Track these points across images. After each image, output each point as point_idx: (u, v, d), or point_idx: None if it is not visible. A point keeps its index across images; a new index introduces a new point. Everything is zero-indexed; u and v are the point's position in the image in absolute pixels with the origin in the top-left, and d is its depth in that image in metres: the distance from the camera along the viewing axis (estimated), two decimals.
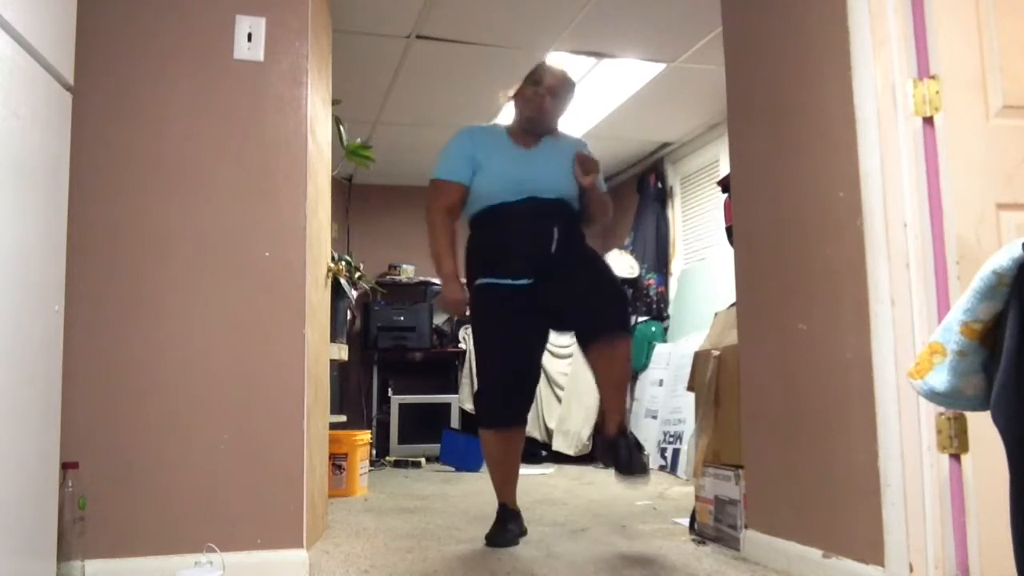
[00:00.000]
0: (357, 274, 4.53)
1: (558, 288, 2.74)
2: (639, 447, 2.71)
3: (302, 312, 2.32)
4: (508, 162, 2.85)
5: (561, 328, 2.99)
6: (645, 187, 6.28)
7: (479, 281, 2.83)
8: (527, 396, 2.88)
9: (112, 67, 2.28)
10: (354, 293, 4.48)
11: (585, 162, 2.85)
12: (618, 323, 2.76)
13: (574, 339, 2.90)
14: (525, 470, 5.19)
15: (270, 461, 2.24)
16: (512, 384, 2.82)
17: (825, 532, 2.14)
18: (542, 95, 2.87)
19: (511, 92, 2.99)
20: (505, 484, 2.89)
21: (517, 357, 2.82)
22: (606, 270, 2.93)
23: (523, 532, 2.86)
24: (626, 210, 6.51)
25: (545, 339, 2.93)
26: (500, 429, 2.83)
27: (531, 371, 2.89)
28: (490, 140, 2.92)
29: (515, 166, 2.84)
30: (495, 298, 2.80)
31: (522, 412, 2.88)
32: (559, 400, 5.75)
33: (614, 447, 2.70)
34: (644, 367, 5.67)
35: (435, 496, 4.02)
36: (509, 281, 2.77)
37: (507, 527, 2.79)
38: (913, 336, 1.87)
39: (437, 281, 6.42)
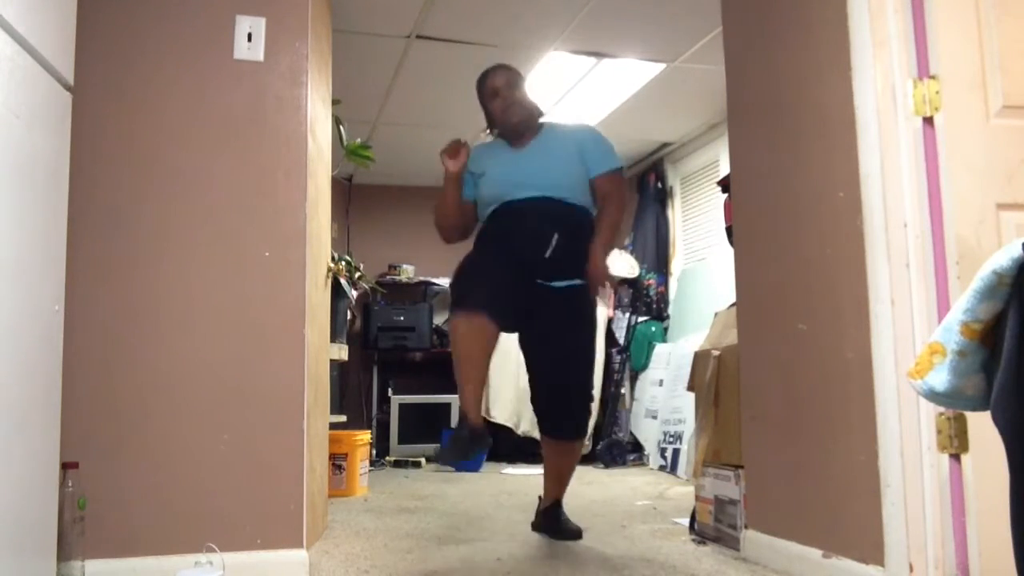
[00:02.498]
0: (357, 274, 4.53)
1: (537, 353, 2.82)
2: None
3: (302, 312, 2.32)
4: (505, 164, 2.85)
5: (524, 355, 2.93)
6: (645, 187, 6.28)
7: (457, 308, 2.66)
8: (505, 296, 2.61)
9: (112, 67, 2.28)
10: (354, 293, 4.47)
11: (597, 277, 2.80)
12: (576, 433, 2.85)
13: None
14: (525, 470, 5.22)
15: (270, 461, 2.24)
16: (489, 279, 2.63)
17: (825, 532, 2.14)
18: (506, 97, 2.86)
19: (485, 125, 3.00)
20: (467, 385, 2.56)
21: (499, 279, 2.64)
22: (584, 356, 2.88)
23: (486, 444, 2.62)
24: (626, 211, 6.51)
25: (522, 303, 2.71)
26: (471, 312, 2.55)
27: (512, 299, 2.65)
28: (486, 153, 2.92)
29: (513, 166, 2.83)
30: (495, 253, 2.73)
31: (497, 306, 2.57)
32: None
33: (548, 519, 2.90)
34: (644, 367, 5.67)
35: (435, 496, 4.02)
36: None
37: (460, 437, 2.53)
38: (913, 336, 1.87)
39: (437, 281, 6.48)
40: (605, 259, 2.82)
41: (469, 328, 2.55)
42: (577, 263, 2.76)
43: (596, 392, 5.62)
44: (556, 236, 2.72)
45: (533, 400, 2.89)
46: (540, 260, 2.72)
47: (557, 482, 2.94)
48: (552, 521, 2.88)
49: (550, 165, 2.81)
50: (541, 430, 2.90)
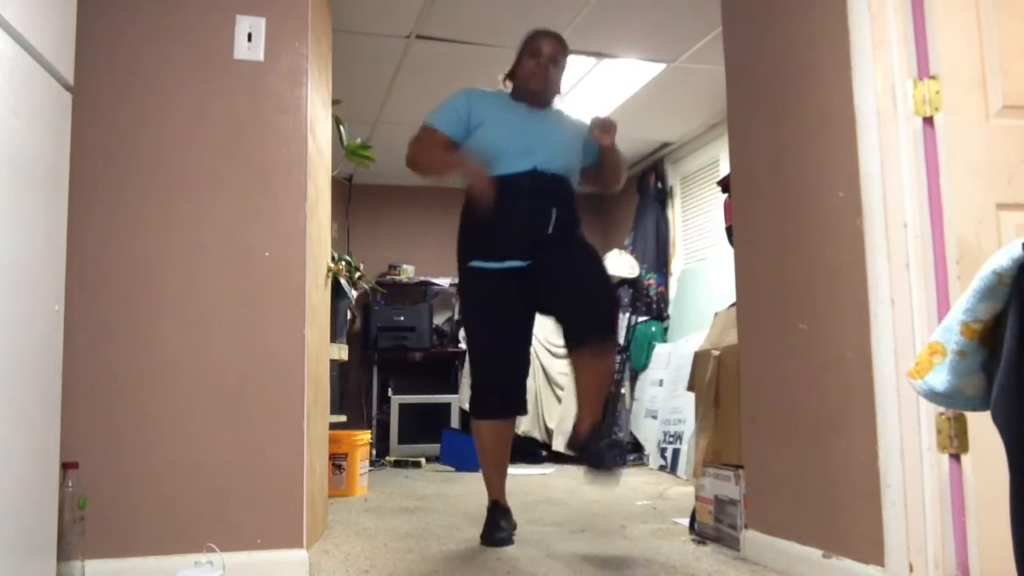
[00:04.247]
0: (357, 274, 4.53)
1: (549, 277, 2.71)
2: (616, 446, 2.66)
3: (302, 312, 2.32)
4: (518, 118, 2.79)
5: (545, 313, 2.90)
6: (645, 187, 6.28)
7: (470, 264, 2.78)
8: (520, 384, 2.83)
9: (112, 67, 2.28)
10: (354, 293, 4.47)
11: (604, 123, 2.73)
12: (605, 331, 2.70)
13: None
14: (525, 470, 5.22)
15: (270, 461, 2.24)
16: (502, 374, 2.79)
17: (825, 532, 2.14)
18: (544, 65, 2.81)
19: (507, 70, 2.93)
20: (497, 478, 2.88)
21: (508, 346, 2.79)
22: (598, 266, 2.84)
23: (514, 528, 2.85)
24: (626, 210, 6.51)
25: (533, 322, 2.87)
26: (492, 419, 2.81)
27: (522, 357, 2.85)
28: (493, 100, 2.86)
29: (526, 123, 2.78)
30: (485, 285, 2.76)
31: (514, 401, 2.81)
32: (559, 400, 5.76)
33: (585, 447, 2.63)
34: (644, 367, 5.68)
35: (435, 496, 4.02)
36: (499, 265, 2.72)
37: (500, 524, 2.78)
38: (913, 336, 1.87)
39: (437, 281, 6.48)
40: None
41: (495, 433, 2.85)
42: (574, 230, 2.80)
43: None
44: (555, 210, 2.72)
45: (559, 318, 2.74)
46: (543, 237, 2.71)
47: (594, 399, 2.70)
48: (595, 449, 2.59)
49: (558, 140, 2.80)
50: (572, 344, 2.69)
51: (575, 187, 2.87)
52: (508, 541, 2.73)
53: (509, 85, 2.92)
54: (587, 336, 2.64)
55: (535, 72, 2.81)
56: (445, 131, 2.78)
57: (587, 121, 2.85)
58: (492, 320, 2.79)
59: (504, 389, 2.80)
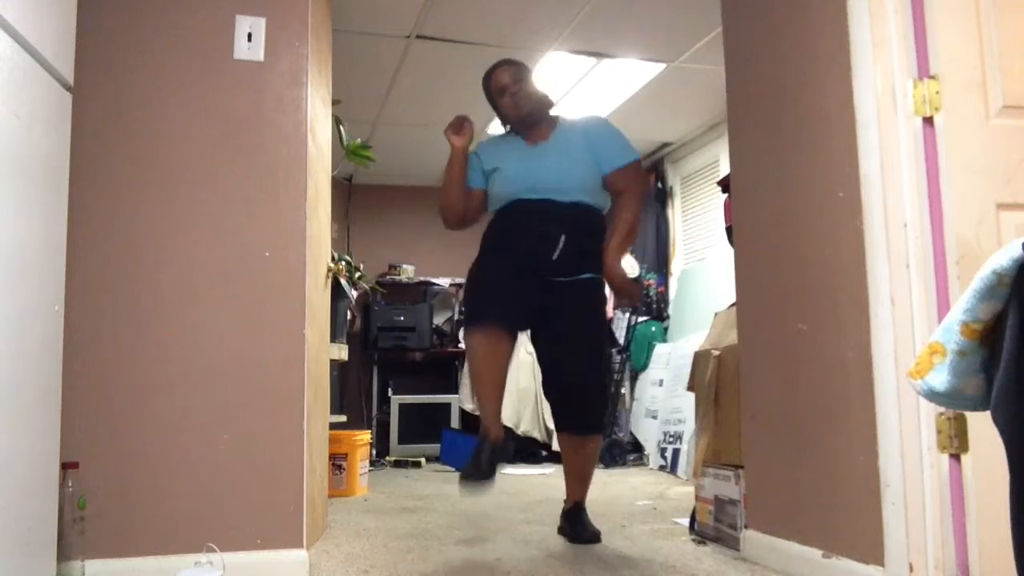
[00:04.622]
0: (357, 274, 4.53)
1: (547, 336, 2.81)
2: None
3: (302, 312, 2.32)
4: (521, 162, 2.83)
5: (534, 347, 2.97)
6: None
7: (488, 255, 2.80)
8: (516, 302, 2.68)
9: (112, 67, 2.28)
10: (354, 293, 4.47)
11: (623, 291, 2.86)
12: (587, 427, 2.83)
13: None
14: (525, 470, 5.22)
15: (270, 461, 2.24)
16: (500, 288, 2.69)
17: (825, 532, 2.14)
18: (513, 93, 2.85)
19: (487, 124, 3.01)
20: (490, 402, 2.65)
21: (512, 288, 2.70)
22: (595, 350, 2.87)
23: (507, 458, 2.71)
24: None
25: (534, 305, 2.76)
26: (486, 326, 2.62)
27: (521, 297, 2.70)
28: (502, 145, 2.93)
29: (527, 164, 2.82)
30: (502, 257, 2.75)
31: (511, 315, 2.66)
32: None
33: (569, 522, 2.86)
34: (644, 367, 5.68)
35: (435, 496, 4.02)
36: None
37: (481, 458, 2.59)
38: (913, 336, 1.87)
39: (437, 281, 6.49)
40: (619, 261, 2.82)
41: (487, 345, 2.62)
42: (585, 261, 2.79)
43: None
44: (563, 238, 2.73)
45: (548, 396, 2.89)
46: (547, 262, 2.73)
47: (578, 482, 2.91)
48: (573, 524, 2.84)
49: (563, 166, 2.80)
50: (558, 427, 2.89)
51: (599, 203, 2.86)
52: (484, 475, 2.56)
53: (507, 128, 2.97)
54: (569, 428, 2.83)
55: (514, 103, 2.86)
56: (473, 186, 2.90)
57: (592, 117, 2.98)
58: (503, 270, 2.72)
59: (501, 298, 2.67)
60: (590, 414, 2.84)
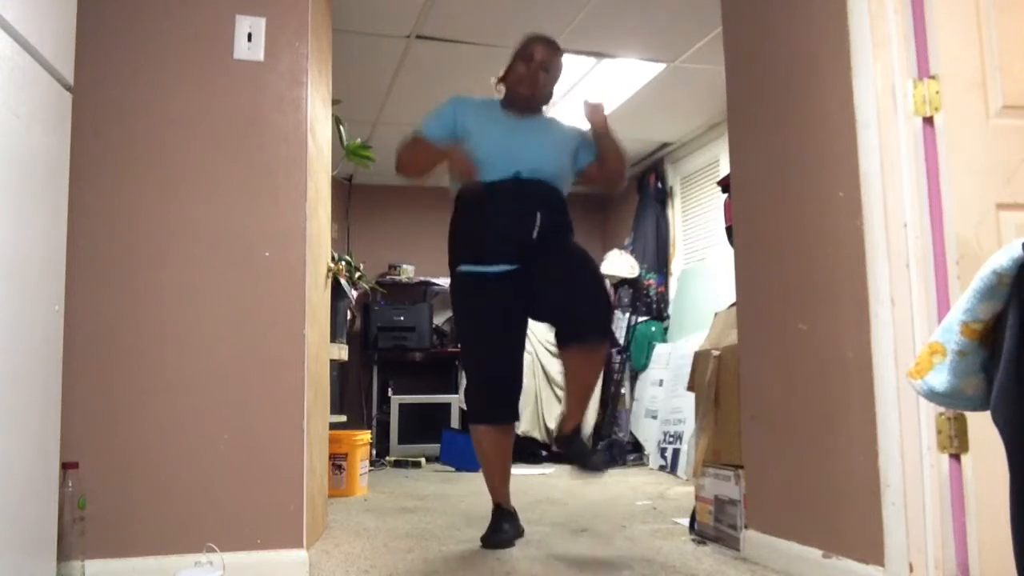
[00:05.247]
0: (357, 274, 4.53)
1: (539, 281, 2.71)
2: (615, 447, 2.75)
3: (302, 312, 2.32)
4: (501, 130, 2.80)
5: (538, 319, 2.93)
6: (645, 187, 6.28)
7: (460, 268, 2.80)
8: (514, 389, 2.85)
9: (112, 67, 2.28)
10: (354, 293, 4.47)
11: (592, 104, 2.80)
12: (596, 332, 2.74)
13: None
14: (525, 470, 5.21)
15: (270, 461, 2.24)
16: (498, 379, 2.80)
17: (825, 532, 2.14)
18: (535, 71, 2.82)
19: (500, 74, 2.93)
20: (498, 482, 2.89)
21: (501, 352, 2.80)
22: (592, 268, 2.84)
23: (520, 533, 2.84)
24: (626, 210, 6.52)
25: (526, 326, 2.90)
26: (490, 424, 2.82)
27: (515, 363, 2.85)
28: (482, 110, 2.87)
29: (508, 135, 2.79)
30: (475, 290, 2.76)
31: (510, 405, 2.85)
32: (559, 400, 5.76)
33: (569, 445, 2.79)
34: (644, 367, 5.68)
35: (435, 496, 4.02)
36: (490, 269, 2.72)
37: (502, 527, 2.77)
38: (913, 336, 1.87)
39: (437, 281, 6.48)
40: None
41: (494, 439, 2.85)
42: (560, 231, 2.79)
43: (597, 391, 5.62)
44: (539, 216, 2.70)
45: (554, 317, 2.78)
46: (528, 242, 2.70)
47: (581, 400, 2.79)
48: (578, 450, 2.78)
49: (544, 147, 2.80)
50: (562, 340, 2.73)
51: (565, 192, 2.85)
52: (507, 543, 2.71)
53: (502, 89, 2.92)
54: (581, 336, 2.67)
55: (524, 76, 2.82)
56: (432, 139, 2.81)
57: (582, 127, 2.92)
58: (484, 325, 2.79)
59: (501, 393, 2.81)
60: (603, 320, 2.78)
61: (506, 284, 2.72)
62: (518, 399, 2.89)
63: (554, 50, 2.89)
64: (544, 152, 2.79)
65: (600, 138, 2.84)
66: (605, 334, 2.80)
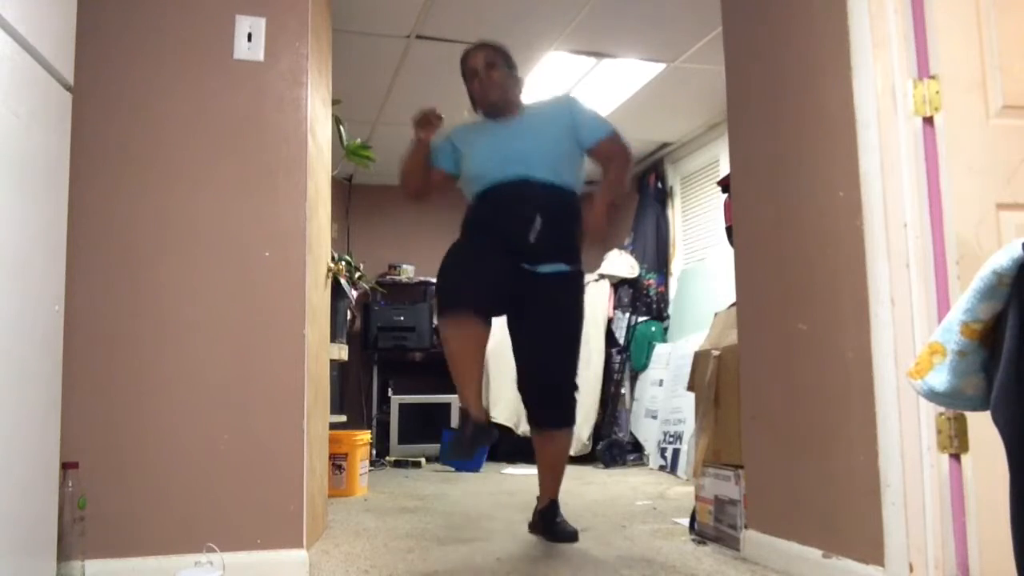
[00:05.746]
0: (357, 274, 4.53)
1: (523, 327, 2.81)
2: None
3: (302, 312, 2.32)
4: (490, 141, 2.84)
5: (510, 326, 2.90)
6: (645, 187, 6.28)
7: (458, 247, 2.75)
8: (489, 287, 2.63)
9: (112, 67, 2.28)
10: (354, 293, 4.47)
11: (595, 228, 2.78)
12: (561, 418, 2.86)
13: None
14: (525, 470, 5.21)
15: (270, 461, 2.24)
16: (472, 274, 2.63)
17: (825, 532, 2.14)
18: (480, 78, 2.86)
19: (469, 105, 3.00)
20: (465, 384, 2.63)
21: (482, 267, 2.64)
22: (570, 339, 2.84)
23: (490, 438, 2.74)
24: (626, 210, 6.51)
25: (507, 293, 2.72)
26: (458, 311, 2.59)
27: (495, 282, 2.66)
28: (469, 128, 2.93)
29: (498, 142, 2.82)
30: (476, 242, 2.74)
31: (483, 297, 2.61)
32: None
33: (544, 520, 2.87)
34: (644, 367, 5.68)
35: (435, 496, 4.02)
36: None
37: (465, 433, 2.61)
38: (913, 336, 1.87)
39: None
40: (605, 209, 2.78)
41: (459, 331, 2.60)
42: (562, 247, 2.78)
43: (596, 392, 5.62)
44: (539, 219, 2.69)
45: (520, 388, 2.90)
46: (524, 245, 2.70)
47: (552, 477, 2.93)
48: (549, 522, 2.86)
49: (536, 143, 2.79)
50: (530, 421, 2.93)
51: (572, 182, 2.81)
52: (465, 452, 2.62)
53: (479, 113, 2.97)
54: (544, 423, 2.86)
55: (479, 88, 2.88)
56: (439, 167, 2.92)
57: (558, 96, 2.99)
58: (475, 253, 2.68)
59: (472, 283, 2.61)
60: (564, 409, 2.85)
61: (505, 255, 2.69)
62: (493, 300, 2.66)
63: (491, 49, 2.92)
64: (538, 148, 2.77)
65: (610, 187, 2.86)
66: (569, 419, 2.90)
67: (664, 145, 6.08)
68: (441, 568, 2.38)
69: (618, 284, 5.88)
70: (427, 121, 2.81)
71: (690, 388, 3.27)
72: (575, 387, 2.87)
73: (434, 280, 7.07)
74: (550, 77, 4.60)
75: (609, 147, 2.87)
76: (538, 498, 2.97)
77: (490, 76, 2.85)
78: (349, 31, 3.92)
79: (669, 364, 5.35)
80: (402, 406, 5.98)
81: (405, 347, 6.21)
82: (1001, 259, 1.01)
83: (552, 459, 2.93)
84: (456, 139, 2.91)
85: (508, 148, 2.78)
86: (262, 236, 2.31)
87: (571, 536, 2.79)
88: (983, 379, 1.08)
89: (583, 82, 4.74)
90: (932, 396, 1.12)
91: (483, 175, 2.78)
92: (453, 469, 5.23)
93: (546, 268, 2.75)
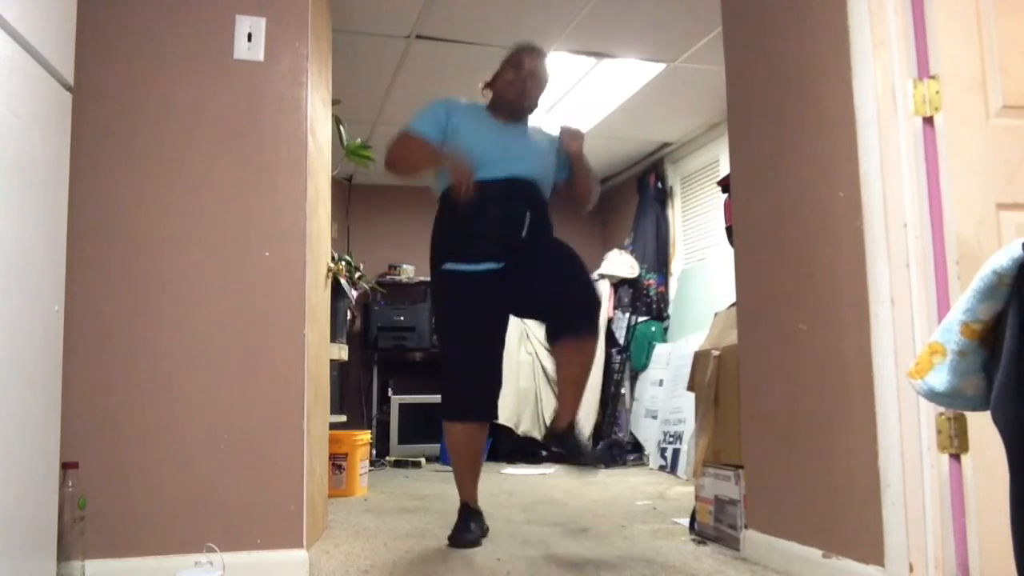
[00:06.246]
0: (357, 274, 4.53)
1: (528, 277, 2.74)
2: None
3: (302, 312, 2.32)
4: (490, 131, 2.84)
5: (524, 316, 2.97)
6: (645, 187, 6.28)
7: (443, 267, 2.79)
8: (491, 386, 2.85)
9: (112, 67, 2.28)
10: (354, 293, 4.47)
11: (573, 131, 2.88)
12: (587, 324, 2.79)
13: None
14: (525, 470, 5.22)
15: (270, 461, 2.24)
16: (474, 377, 2.80)
17: (825, 532, 2.14)
18: (523, 79, 2.86)
19: (488, 80, 2.96)
20: (468, 480, 2.87)
21: (479, 349, 2.80)
22: (578, 264, 2.85)
23: (485, 532, 2.85)
24: (626, 210, 6.51)
25: (506, 326, 2.91)
26: (463, 421, 2.81)
27: (493, 360, 2.87)
28: (471, 112, 2.91)
29: (498, 135, 2.83)
30: (457, 288, 2.78)
31: (485, 403, 2.83)
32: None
33: (563, 441, 2.81)
34: (644, 367, 5.68)
35: (435, 496, 4.02)
36: (473, 267, 2.74)
37: (469, 527, 2.76)
38: (913, 336, 1.87)
39: None
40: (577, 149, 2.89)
41: (467, 437, 2.84)
42: (549, 234, 2.85)
43: (596, 392, 5.62)
44: (528, 214, 2.76)
45: (540, 313, 2.87)
46: (516, 240, 2.74)
47: (575, 392, 2.82)
48: (572, 445, 2.79)
49: (530, 150, 2.86)
50: (554, 333, 2.79)
51: (548, 196, 2.90)
52: (475, 543, 2.71)
53: (488, 94, 2.95)
54: (573, 327, 2.75)
55: (512, 82, 2.87)
56: (423, 135, 2.79)
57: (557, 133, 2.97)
58: (465, 324, 2.79)
59: (478, 391, 2.81)
60: (591, 316, 2.81)
61: (487, 282, 2.74)
62: (495, 397, 2.86)
63: (543, 61, 2.95)
64: (532, 155, 2.85)
65: (575, 159, 2.90)
66: (595, 326, 2.84)
67: (664, 145, 6.08)
68: (441, 568, 2.38)
69: (618, 284, 5.88)
70: (468, 183, 2.67)
71: (690, 388, 3.27)
72: (595, 294, 2.86)
73: None
74: (550, 77, 4.59)
75: (566, 188, 2.97)
76: (555, 416, 2.87)
77: (529, 82, 2.87)
78: (349, 31, 3.92)
79: (669, 364, 5.35)
80: (402, 406, 5.98)
81: (405, 347, 6.21)
82: (1001, 259, 1.01)
83: (580, 369, 2.82)
84: (452, 113, 2.83)
85: (503, 145, 2.81)
86: (262, 236, 2.31)
87: (587, 456, 2.83)
88: (983, 379, 1.08)
89: (583, 82, 4.74)
90: (932, 396, 1.12)
91: (483, 162, 2.72)
92: (449, 471, 5.22)
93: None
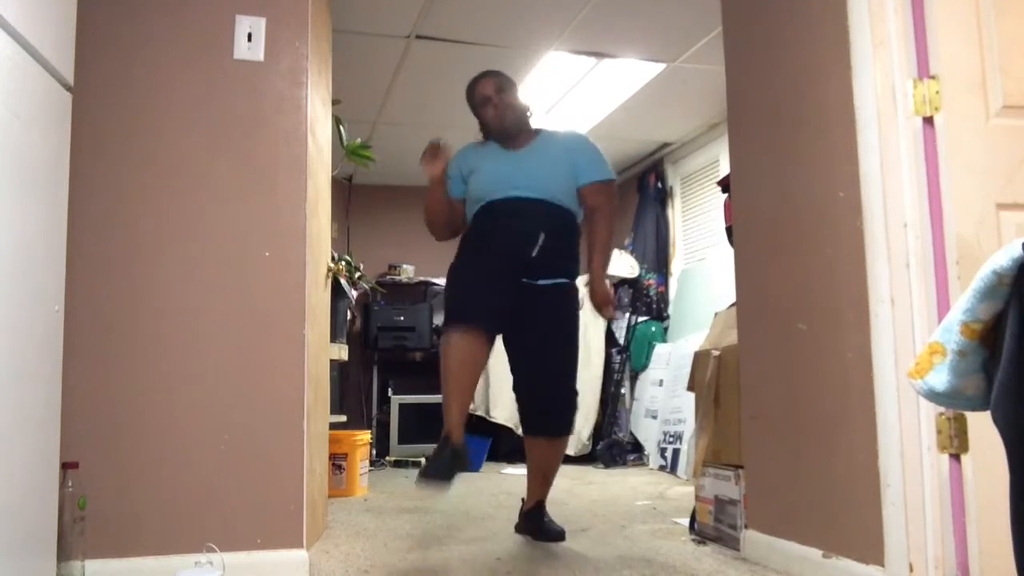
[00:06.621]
0: (357, 274, 4.53)
1: (517, 343, 2.81)
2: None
3: (302, 312, 2.32)
4: (498, 162, 2.87)
5: (508, 350, 2.91)
6: (645, 187, 6.28)
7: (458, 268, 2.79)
8: (496, 301, 2.65)
9: (112, 67, 2.28)
10: (354, 293, 4.47)
11: (603, 303, 2.91)
12: (566, 427, 2.85)
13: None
14: (525, 470, 5.20)
15: (270, 461, 2.24)
16: (482, 287, 2.66)
17: (825, 532, 2.14)
18: (485, 109, 2.90)
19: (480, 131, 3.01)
20: (455, 405, 2.59)
21: (489, 283, 2.68)
22: (569, 351, 2.85)
23: (463, 466, 2.61)
24: (626, 210, 6.51)
25: (507, 320, 2.75)
26: (464, 325, 2.59)
27: (504, 291, 2.68)
28: (480, 150, 2.95)
29: (504, 165, 2.85)
30: (480, 257, 2.76)
31: (489, 313, 2.63)
32: None
33: (531, 521, 2.87)
34: (644, 367, 5.68)
35: (435, 496, 4.02)
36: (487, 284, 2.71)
37: (443, 458, 2.52)
38: (913, 336, 1.87)
39: (437, 281, 6.47)
40: (603, 281, 2.91)
41: (464, 346, 2.58)
42: (562, 261, 2.83)
43: (596, 392, 5.62)
44: (542, 236, 2.74)
45: (518, 397, 2.88)
46: (527, 259, 2.73)
47: (542, 482, 2.91)
48: (536, 523, 2.85)
49: (542, 169, 2.83)
50: (525, 429, 2.90)
51: (574, 209, 2.86)
52: (441, 477, 2.47)
53: (487, 141, 2.99)
54: (546, 432, 2.83)
55: (483, 115, 2.93)
56: (456, 196, 2.94)
57: (574, 132, 3.01)
58: (480, 269, 2.71)
59: (483, 298, 2.64)
60: (566, 418, 2.85)
61: (508, 273, 2.72)
62: (501, 312, 2.67)
63: (496, 77, 2.96)
64: (542, 173, 2.82)
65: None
66: (572, 424, 2.89)
67: (664, 145, 6.08)
68: (441, 568, 2.38)
69: (618, 284, 5.87)
70: (433, 155, 2.82)
71: (690, 388, 3.27)
72: (576, 393, 2.87)
73: (434, 280, 7.10)
74: (550, 77, 4.60)
75: (595, 194, 2.89)
76: (524, 500, 2.95)
77: (503, 100, 2.89)
78: (349, 31, 3.92)
79: (669, 364, 5.35)
80: (402, 406, 5.97)
81: (405, 347, 6.20)
82: (1001, 259, 1.01)
83: (548, 465, 2.91)
84: (461, 163, 2.91)
85: (514, 171, 2.82)
86: (262, 236, 2.31)
87: (559, 535, 2.80)
88: (983, 379, 1.08)
89: (583, 82, 4.73)
90: (932, 396, 1.12)
91: (485, 195, 2.81)
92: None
93: (546, 281, 2.77)
